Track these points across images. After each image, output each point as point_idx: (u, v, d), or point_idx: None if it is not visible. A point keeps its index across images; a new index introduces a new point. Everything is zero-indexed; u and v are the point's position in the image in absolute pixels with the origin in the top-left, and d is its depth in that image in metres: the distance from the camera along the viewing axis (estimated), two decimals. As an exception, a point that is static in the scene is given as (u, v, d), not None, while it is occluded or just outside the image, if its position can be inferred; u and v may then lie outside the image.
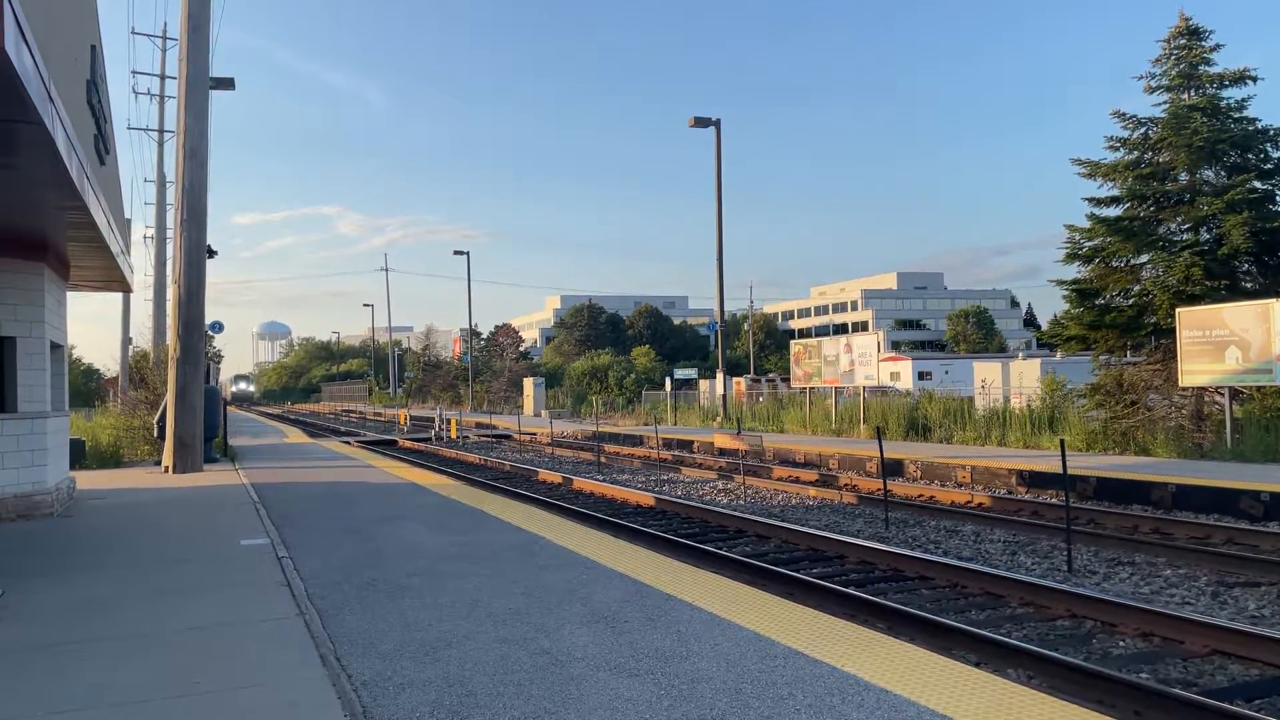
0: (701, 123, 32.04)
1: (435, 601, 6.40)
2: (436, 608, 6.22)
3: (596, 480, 17.77)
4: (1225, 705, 5.16)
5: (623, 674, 4.76)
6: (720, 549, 10.46)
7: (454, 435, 32.76)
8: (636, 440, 28.22)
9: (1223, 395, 17.52)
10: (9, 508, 11.06)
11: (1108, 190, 21.13)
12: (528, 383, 52.90)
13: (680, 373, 53.62)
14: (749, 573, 9.10)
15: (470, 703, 4.38)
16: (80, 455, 17.72)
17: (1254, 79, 20.03)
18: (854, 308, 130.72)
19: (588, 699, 4.40)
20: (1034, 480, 15.12)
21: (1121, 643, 6.89)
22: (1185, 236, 19.99)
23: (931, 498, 14.76)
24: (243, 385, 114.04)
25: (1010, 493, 15.06)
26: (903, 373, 54.94)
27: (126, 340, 36.33)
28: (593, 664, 4.93)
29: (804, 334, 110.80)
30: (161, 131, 35.41)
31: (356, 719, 4.17)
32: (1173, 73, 20.62)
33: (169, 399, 16.83)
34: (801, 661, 4.91)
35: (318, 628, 5.73)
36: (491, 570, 7.42)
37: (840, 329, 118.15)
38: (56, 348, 12.75)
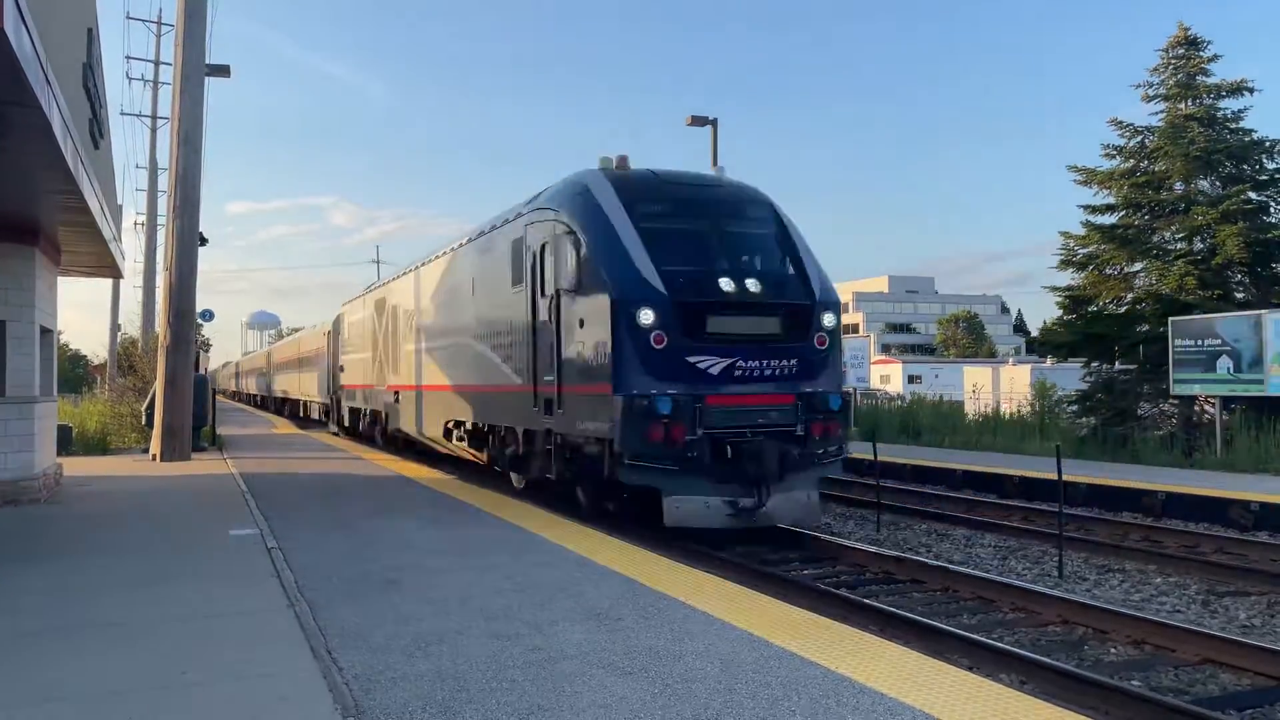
0: (699, 121, 31.85)
1: (427, 596, 6.36)
2: (428, 602, 6.18)
3: (587, 477, 17.69)
4: (1218, 715, 5.16)
5: (616, 672, 4.73)
6: (712, 548, 10.41)
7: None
8: (627, 438, 28.14)
9: (1213, 404, 17.58)
10: (-5, 493, 10.97)
11: (1103, 198, 21.20)
12: (519, 378, 52.71)
13: (671, 371, 53.50)
14: (741, 572, 9.06)
15: (462, 697, 4.35)
16: (67, 442, 17.58)
17: (1251, 90, 20.13)
18: (845, 310, 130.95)
19: (581, 696, 4.37)
20: (1024, 486, 15.13)
21: (1113, 650, 6.89)
22: (1179, 246, 20.04)
23: (922, 501, 14.74)
24: None
25: (1001, 498, 15.07)
26: (893, 376, 55.10)
27: (115, 327, 36.16)
28: (586, 661, 4.90)
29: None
30: (155, 118, 35.21)
31: (348, 712, 4.13)
32: (1170, 82, 20.69)
33: (158, 387, 16.73)
34: (795, 662, 4.89)
35: (308, 620, 5.68)
36: (483, 564, 7.38)
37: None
38: (46, 332, 12.64)
